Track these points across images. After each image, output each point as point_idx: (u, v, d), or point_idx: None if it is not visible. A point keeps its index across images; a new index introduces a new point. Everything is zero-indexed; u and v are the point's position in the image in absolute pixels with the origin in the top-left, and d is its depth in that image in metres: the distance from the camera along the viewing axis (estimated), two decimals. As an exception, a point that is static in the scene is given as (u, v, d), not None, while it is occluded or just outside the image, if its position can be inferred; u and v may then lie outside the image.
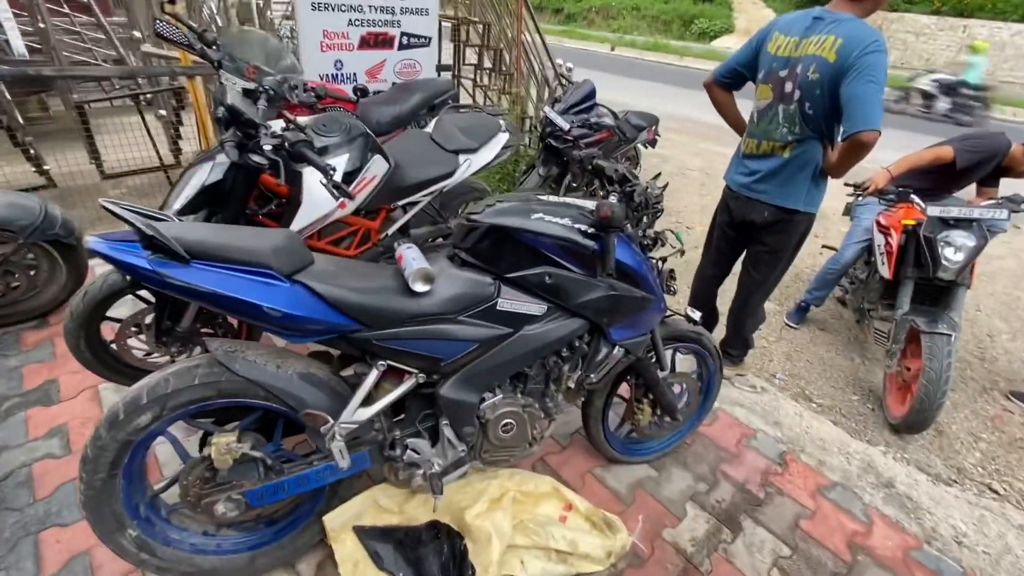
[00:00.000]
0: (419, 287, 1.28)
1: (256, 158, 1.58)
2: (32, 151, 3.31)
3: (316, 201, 1.78)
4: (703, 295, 2.61)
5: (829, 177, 2.10)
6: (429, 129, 2.52)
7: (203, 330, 1.84)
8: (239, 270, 1.15)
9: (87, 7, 4.65)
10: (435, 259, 1.42)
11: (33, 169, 3.44)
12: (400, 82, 3.32)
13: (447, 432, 1.45)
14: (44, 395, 2.03)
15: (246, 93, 1.77)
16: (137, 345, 1.90)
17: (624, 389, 1.88)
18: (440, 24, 4.71)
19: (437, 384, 1.41)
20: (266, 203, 1.89)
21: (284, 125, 1.60)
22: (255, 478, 1.35)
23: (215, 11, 3.89)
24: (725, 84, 2.19)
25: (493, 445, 1.53)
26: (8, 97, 3.27)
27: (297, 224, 1.79)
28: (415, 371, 1.37)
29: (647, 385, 1.78)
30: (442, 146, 2.41)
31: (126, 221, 1.09)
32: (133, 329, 1.86)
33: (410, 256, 1.33)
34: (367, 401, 1.35)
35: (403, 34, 3.38)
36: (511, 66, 4.79)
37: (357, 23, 3.13)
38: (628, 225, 1.46)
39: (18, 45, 3.66)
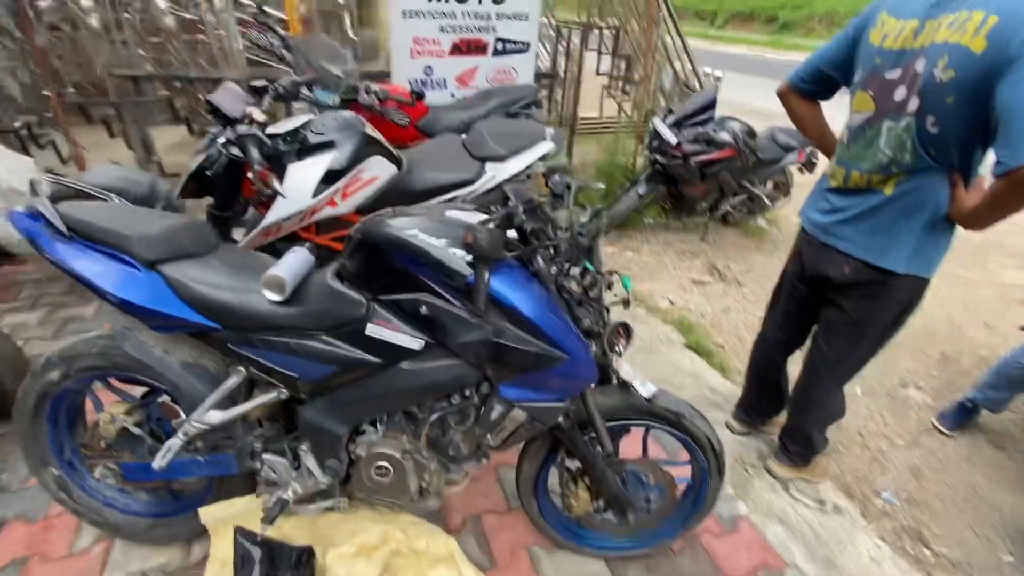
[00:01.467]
0: (268, 293, 1.17)
1: (233, 150, 1.66)
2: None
3: (294, 195, 1.81)
4: (763, 366, 1.99)
5: (960, 227, 1.40)
6: (466, 135, 2.40)
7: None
8: (105, 253, 1.20)
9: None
10: (324, 268, 1.30)
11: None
12: (486, 88, 3.26)
13: (307, 459, 1.32)
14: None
15: (254, 90, 1.88)
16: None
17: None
18: (559, 28, 4.55)
19: (303, 403, 1.30)
20: (263, 193, 1.99)
21: (247, 122, 1.64)
22: (135, 453, 1.40)
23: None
24: (805, 92, 1.62)
25: (367, 487, 1.35)
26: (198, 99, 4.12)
27: (271, 216, 1.84)
28: (279, 385, 1.28)
29: (582, 467, 1.39)
30: (470, 152, 2.27)
31: (32, 193, 1.22)
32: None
33: (283, 260, 1.23)
34: (228, 404, 1.29)
35: (498, 40, 3.31)
36: (640, 72, 4.39)
37: (449, 29, 3.16)
38: (503, 255, 1.11)
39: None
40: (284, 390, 1.28)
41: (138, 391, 1.50)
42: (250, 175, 1.68)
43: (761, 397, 2.03)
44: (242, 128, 1.58)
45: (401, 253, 1.12)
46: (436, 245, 1.09)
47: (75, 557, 1.54)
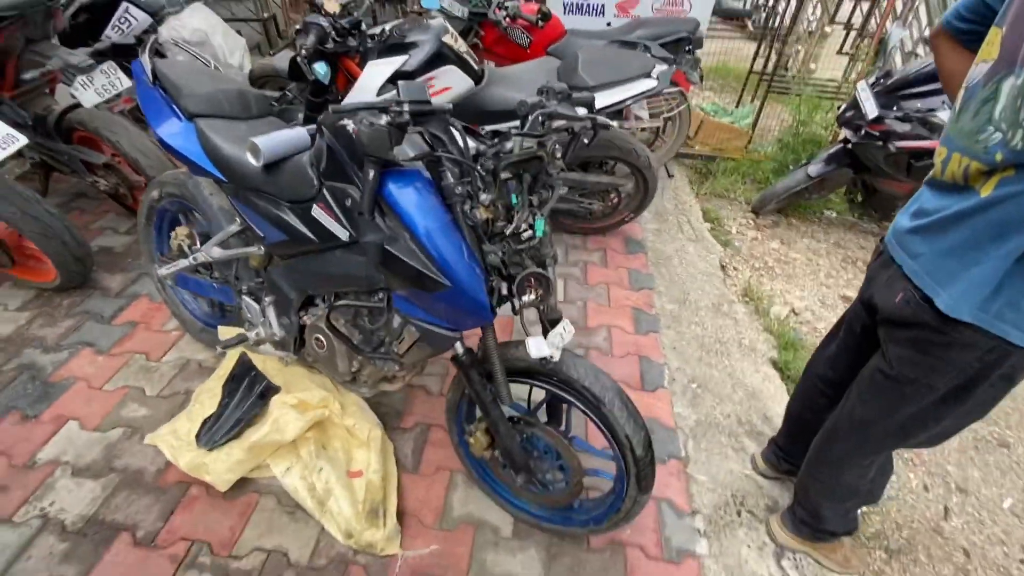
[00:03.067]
0: (249, 157, 1.33)
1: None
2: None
3: (360, 91, 1.94)
4: (802, 404, 1.54)
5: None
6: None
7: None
8: (165, 100, 1.49)
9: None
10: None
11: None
12: (642, 18, 2.91)
13: (268, 311, 1.53)
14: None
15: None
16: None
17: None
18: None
19: (273, 263, 1.49)
20: (350, 84, 2.17)
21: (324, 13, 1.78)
22: (188, 269, 1.80)
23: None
24: (962, 34, 1.08)
25: (310, 352, 1.52)
26: None
27: (344, 104, 2.01)
28: (255, 239, 1.48)
29: (481, 410, 1.32)
30: (560, 78, 2.11)
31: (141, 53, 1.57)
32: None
33: (275, 133, 1.37)
34: (225, 245, 1.55)
35: (674, -36, 2.88)
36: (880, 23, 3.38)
37: (617, -52, 2.86)
38: (387, 155, 1.01)
39: None
40: (260, 247, 1.48)
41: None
42: (299, 60, 1.86)
43: (795, 439, 1.60)
44: (310, 16, 1.75)
45: (338, 141, 1.15)
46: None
47: (163, 333, 2.09)
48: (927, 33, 3.22)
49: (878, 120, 2.69)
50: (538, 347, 1.11)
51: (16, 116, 2.21)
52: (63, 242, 1.99)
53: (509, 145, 1.05)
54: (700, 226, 3.19)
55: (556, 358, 1.13)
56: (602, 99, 2.04)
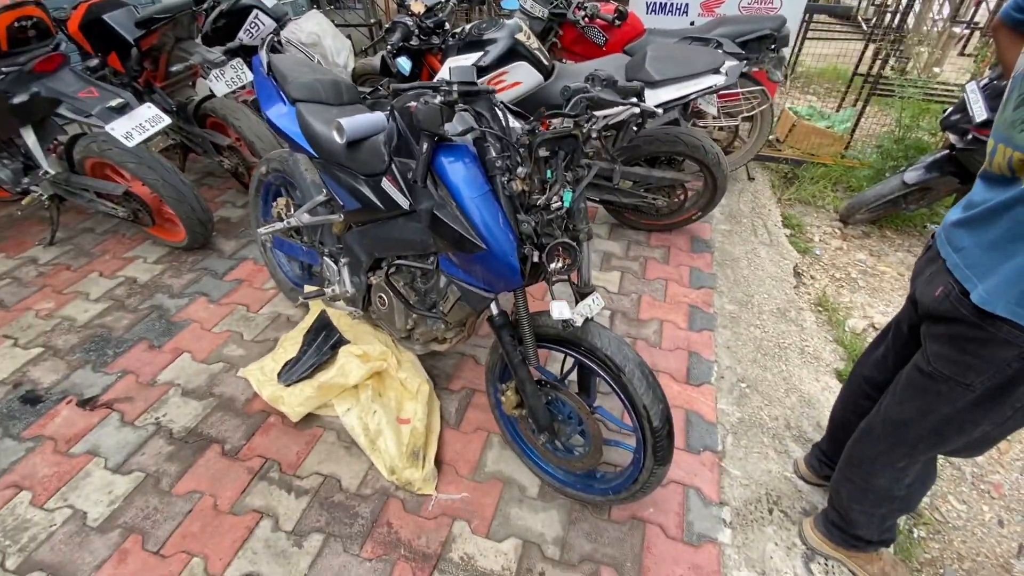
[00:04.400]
0: (334, 135, 1.55)
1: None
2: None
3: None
4: (846, 408, 1.48)
5: None
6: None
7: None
8: (275, 88, 1.77)
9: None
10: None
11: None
12: (727, 15, 2.86)
13: (343, 271, 1.75)
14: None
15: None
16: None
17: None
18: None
19: (349, 230, 1.71)
20: (432, 78, 2.38)
21: (409, 13, 1.99)
22: (284, 233, 2.09)
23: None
24: (1021, 27, 1.03)
25: (374, 310, 1.72)
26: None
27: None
28: (338, 208, 1.70)
29: (511, 369, 1.42)
30: (627, 73, 2.17)
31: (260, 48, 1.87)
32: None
33: (358, 115, 1.58)
34: (313, 212, 1.80)
35: (764, -41, 2.80)
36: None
37: (704, -55, 2.84)
38: (440, 131, 1.14)
39: None
40: (340, 215, 1.70)
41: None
42: (384, 55, 2.07)
43: (837, 443, 1.54)
44: (397, 16, 1.96)
45: (405, 120, 1.33)
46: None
47: (262, 290, 2.43)
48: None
49: (986, 124, 2.44)
50: (560, 310, 1.20)
51: (165, 103, 2.68)
52: (192, 208, 2.39)
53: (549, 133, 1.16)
54: (777, 231, 3.07)
55: (578, 323, 1.22)
56: (666, 93, 2.07)
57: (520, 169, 1.17)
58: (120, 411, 1.83)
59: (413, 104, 1.14)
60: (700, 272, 2.62)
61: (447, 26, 2.16)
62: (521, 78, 2.16)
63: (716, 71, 2.05)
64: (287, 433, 1.76)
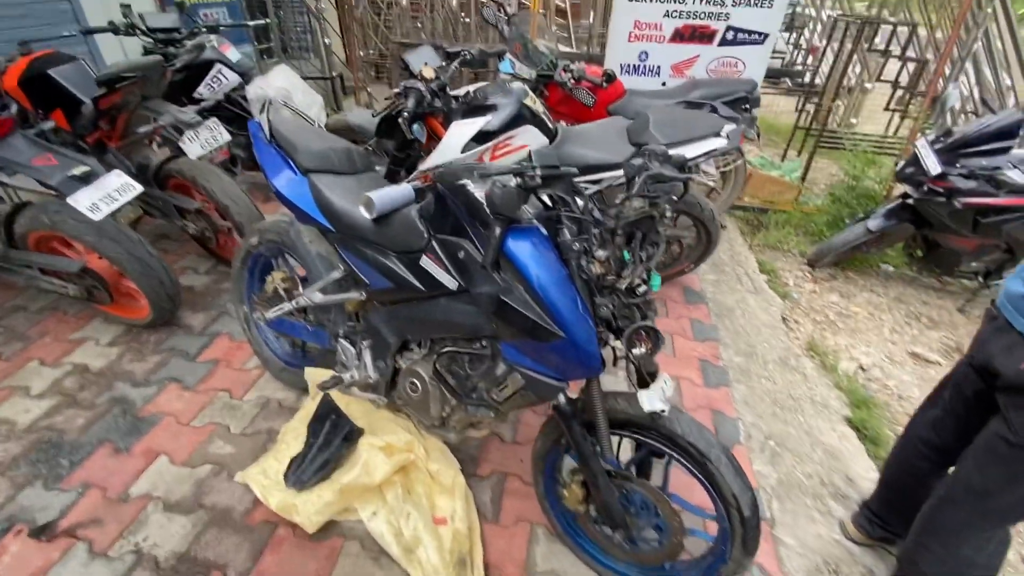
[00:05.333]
0: (360, 209, 1.42)
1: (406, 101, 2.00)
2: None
3: (446, 148, 2.06)
4: (901, 471, 1.49)
5: None
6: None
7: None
8: (282, 156, 1.62)
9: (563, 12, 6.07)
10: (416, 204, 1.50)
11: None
12: (698, 78, 3.03)
13: (365, 354, 1.58)
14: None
15: (448, 56, 2.18)
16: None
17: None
18: (836, 23, 3.82)
19: (373, 308, 1.55)
20: (432, 142, 2.31)
21: (421, 78, 1.93)
22: (280, 311, 1.88)
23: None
24: None
25: (401, 396, 1.55)
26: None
27: (426, 163, 2.13)
28: (359, 286, 1.55)
29: (581, 463, 1.31)
30: (629, 137, 2.20)
31: (260, 111, 1.72)
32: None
33: (385, 188, 1.47)
34: (329, 292, 1.63)
35: (729, 28, 3.01)
36: (932, 82, 3.45)
37: (674, 15, 3.01)
38: (517, 215, 1.08)
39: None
40: (363, 293, 1.55)
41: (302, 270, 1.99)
42: (400, 120, 2.00)
43: (891, 505, 1.53)
44: (409, 81, 1.89)
45: (455, 198, 1.23)
46: (479, 196, 1.17)
47: (242, 371, 2.16)
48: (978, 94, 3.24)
49: (941, 177, 2.70)
50: (651, 401, 1.12)
51: (121, 164, 2.41)
52: (160, 282, 2.11)
53: (629, 205, 1.11)
54: (757, 278, 3.19)
55: (667, 412, 1.14)
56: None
57: (600, 252, 1.10)
58: (87, 539, 1.51)
59: (489, 188, 1.05)
60: (702, 324, 2.64)
61: (447, 90, 2.11)
62: (528, 141, 2.13)
63: (717, 134, 2.12)
64: (302, 547, 1.52)
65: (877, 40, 4.08)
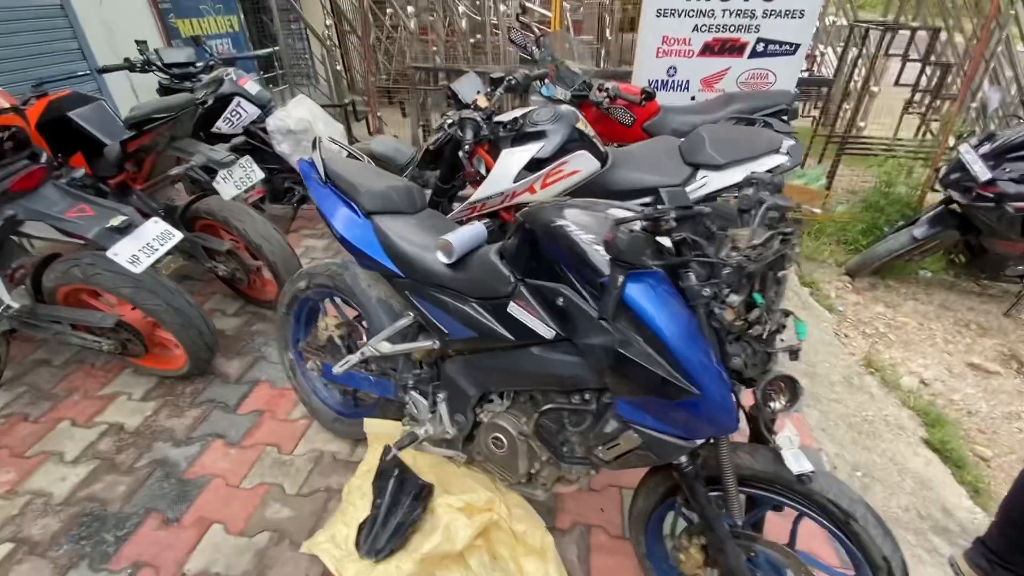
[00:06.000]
0: (438, 255, 1.32)
1: (455, 130, 1.91)
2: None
3: (497, 178, 1.97)
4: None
5: None
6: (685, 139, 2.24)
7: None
8: (342, 197, 1.52)
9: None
10: (491, 245, 1.39)
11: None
12: (731, 92, 2.96)
13: (441, 407, 1.46)
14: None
15: (492, 82, 2.09)
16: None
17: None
18: (853, 30, 3.79)
19: (448, 358, 1.44)
20: (478, 173, 2.21)
21: (473, 108, 1.84)
22: (334, 358, 1.76)
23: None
24: None
25: (483, 451, 1.43)
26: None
27: (477, 194, 2.04)
28: (434, 335, 1.44)
29: (703, 525, 1.20)
30: (683, 156, 2.12)
31: (313, 148, 1.62)
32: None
33: (460, 229, 1.37)
34: (398, 341, 1.52)
35: (760, 40, 2.96)
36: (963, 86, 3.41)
37: (704, 28, 2.96)
38: (643, 262, 0.99)
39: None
40: (437, 342, 1.44)
41: (351, 313, 1.88)
42: (460, 153, 1.91)
43: (1015, 544, 1.42)
44: (465, 112, 1.80)
45: (551, 241, 1.13)
46: (585, 240, 1.07)
47: (288, 422, 2.03)
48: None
49: (990, 182, 2.64)
50: (800, 462, 1.01)
51: (147, 207, 2.30)
52: (200, 332, 1.99)
53: (759, 242, 1.00)
54: (803, 292, 3.10)
55: (815, 474, 1.03)
56: (732, 176, 2.02)
57: (733, 297, 1.00)
58: (146, 630, 1.37)
59: (609, 233, 0.95)
60: (757, 346, 2.53)
61: (493, 116, 2.02)
62: (580, 167, 2.04)
63: (776, 151, 2.04)
64: (383, 625, 1.38)
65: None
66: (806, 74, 5.25)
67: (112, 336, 1.94)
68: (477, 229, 1.39)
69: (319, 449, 1.91)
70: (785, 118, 2.75)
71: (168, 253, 1.76)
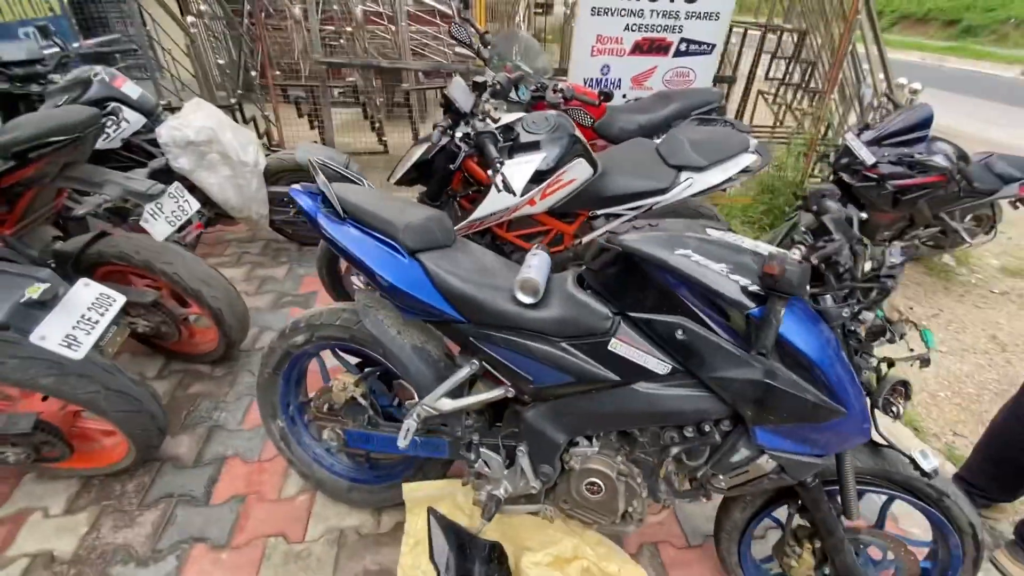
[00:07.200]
0: (520, 296, 1.17)
1: (451, 144, 1.71)
2: (378, 126, 4.40)
3: (501, 193, 1.83)
4: (1007, 442, 1.68)
5: None
6: (659, 140, 2.29)
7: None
8: (375, 236, 1.27)
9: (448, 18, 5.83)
10: (563, 274, 1.28)
11: (376, 139, 4.57)
12: (663, 90, 3.12)
13: (523, 460, 1.32)
14: (305, 300, 2.71)
15: (476, 86, 1.92)
16: (357, 282, 2.34)
17: (783, 511, 1.36)
18: (745, 32, 4.24)
19: (526, 405, 1.30)
20: (468, 187, 2.05)
21: (482, 118, 1.67)
22: (358, 422, 1.50)
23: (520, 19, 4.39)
24: None
25: (573, 499, 1.32)
26: (377, 83, 4.42)
27: (479, 211, 1.88)
28: (507, 383, 1.29)
29: (815, 529, 1.25)
30: (664, 159, 2.16)
31: (315, 175, 1.33)
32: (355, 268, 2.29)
33: (531, 263, 1.23)
34: (455, 393, 1.33)
35: (682, 40, 3.14)
36: (821, 81, 3.98)
37: (634, 28, 3.05)
38: (807, 293, 1.01)
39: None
40: (511, 389, 1.28)
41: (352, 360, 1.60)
42: (484, 170, 1.72)
43: (994, 477, 1.72)
44: (479, 124, 1.62)
45: (669, 273, 1.06)
46: (714, 270, 1.02)
47: (284, 502, 1.70)
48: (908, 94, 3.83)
49: (875, 165, 3.14)
50: (928, 460, 1.09)
51: (26, 256, 1.71)
52: (152, 416, 1.56)
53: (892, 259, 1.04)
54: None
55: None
56: (713, 177, 2.11)
57: (868, 314, 1.03)
58: None
59: (775, 266, 0.91)
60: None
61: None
62: (577, 175, 1.96)
63: (747, 149, 2.17)
64: None
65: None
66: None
67: (21, 442, 1.42)
68: (545, 258, 1.27)
69: (336, 527, 1.63)
70: (717, 115, 2.96)
71: (113, 323, 1.32)
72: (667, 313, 1.08)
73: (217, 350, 2.11)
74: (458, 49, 4.10)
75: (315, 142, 3.76)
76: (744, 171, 2.16)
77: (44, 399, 1.48)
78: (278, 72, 4.09)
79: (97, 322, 1.28)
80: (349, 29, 4.17)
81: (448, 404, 1.31)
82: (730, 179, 2.13)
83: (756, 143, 2.22)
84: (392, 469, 1.67)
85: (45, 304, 1.21)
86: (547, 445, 1.29)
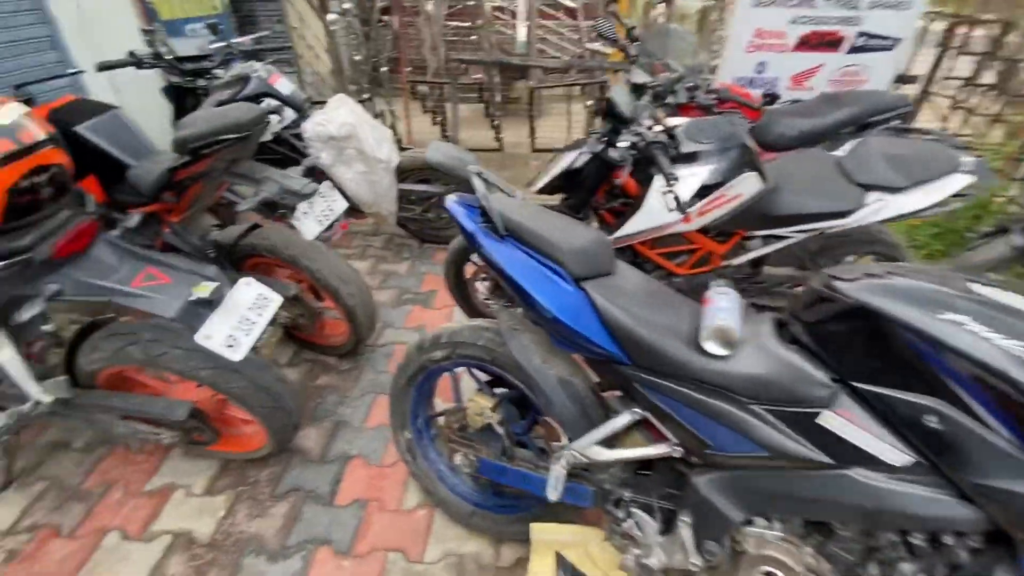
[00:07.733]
0: (710, 346, 0.98)
1: (612, 153, 1.54)
2: (496, 123, 4.34)
3: (655, 209, 1.63)
4: None
5: None
6: (842, 152, 1.95)
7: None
8: (538, 259, 1.14)
9: (573, 13, 5.65)
10: (756, 320, 1.07)
11: (494, 136, 4.51)
12: (829, 92, 2.70)
13: (684, 532, 1.13)
14: (426, 299, 2.70)
15: (635, 88, 1.73)
16: (481, 288, 2.26)
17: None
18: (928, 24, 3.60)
19: (694, 468, 1.11)
20: (614, 199, 1.87)
21: (650, 124, 1.48)
22: (492, 450, 1.40)
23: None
24: None
25: (732, 585, 1.12)
26: (497, 80, 4.36)
27: (630, 227, 1.70)
28: (674, 440, 1.11)
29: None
30: (849, 176, 1.83)
31: (475, 188, 1.22)
32: (481, 275, 2.21)
33: (718, 304, 1.03)
34: (609, 441, 1.17)
35: (860, 34, 2.70)
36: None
37: (802, 20, 2.67)
38: None
39: (521, 37, 4.77)
40: (678, 448, 1.10)
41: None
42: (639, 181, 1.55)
43: None
44: (649, 134, 1.44)
45: (919, 341, 0.81)
46: (1004, 349, 0.76)
47: (404, 514, 1.65)
48: None
49: None
50: None
51: (188, 244, 1.81)
52: (288, 412, 1.57)
53: None
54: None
55: None
56: (915, 201, 1.75)
57: None
58: None
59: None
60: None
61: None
62: (745, 190, 1.71)
63: (957, 168, 1.78)
64: None
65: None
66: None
67: (176, 427, 1.50)
68: (735, 299, 1.06)
69: (455, 552, 1.55)
70: (901, 123, 2.51)
71: (269, 323, 1.33)
72: (914, 391, 0.84)
73: (347, 344, 2.13)
74: (589, 45, 3.90)
75: (442, 139, 3.78)
76: (956, 195, 1.76)
77: (198, 385, 1.53)
78: (409, 68, 4.18)
79: (255, 323, 1.29)
80: (475, 24, 4.13)
81: (602, 454, 1.15)
82: (937, 204, 1.75)
83: (975, 161, 1.80)
84: (519, 500, 1.56)
85: (211, 303, 1.23)
86: (717, 520, 1.09)
